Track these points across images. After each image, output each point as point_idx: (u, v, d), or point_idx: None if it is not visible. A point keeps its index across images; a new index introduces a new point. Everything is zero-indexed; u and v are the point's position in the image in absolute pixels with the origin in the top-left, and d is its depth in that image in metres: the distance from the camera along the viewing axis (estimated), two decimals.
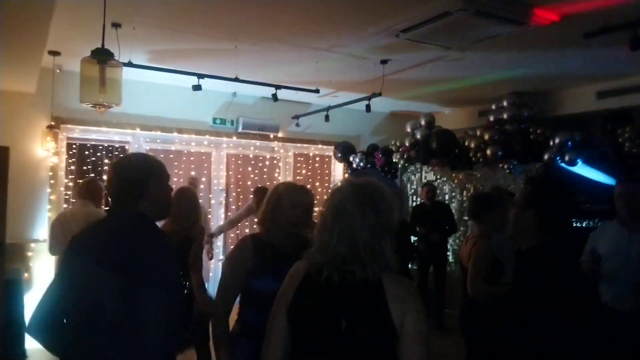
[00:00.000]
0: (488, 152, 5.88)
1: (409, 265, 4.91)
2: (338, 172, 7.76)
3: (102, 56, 2.61)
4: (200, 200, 5.99)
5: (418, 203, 6.60)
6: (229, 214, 6.83)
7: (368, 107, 5.48)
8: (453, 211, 6.33)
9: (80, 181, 4.63)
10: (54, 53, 4.81)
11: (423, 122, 6.63)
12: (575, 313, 1.74)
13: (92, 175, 5.68)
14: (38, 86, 5.12)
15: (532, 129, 5.79)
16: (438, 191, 6.64)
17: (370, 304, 1.38)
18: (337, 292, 1.40)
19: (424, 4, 3.36)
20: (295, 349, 1.46)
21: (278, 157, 7.33)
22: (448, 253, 6.24)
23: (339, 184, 1.56)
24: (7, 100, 5.25)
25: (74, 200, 5.16)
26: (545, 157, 5.50)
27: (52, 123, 5.40)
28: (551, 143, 5.49)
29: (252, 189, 6.98)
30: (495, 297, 2.70)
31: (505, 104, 6.05)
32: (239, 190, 6.99)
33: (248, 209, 5.65)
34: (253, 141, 6.95)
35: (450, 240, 6.32)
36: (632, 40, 2.96)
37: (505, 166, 5.89)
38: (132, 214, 1.71)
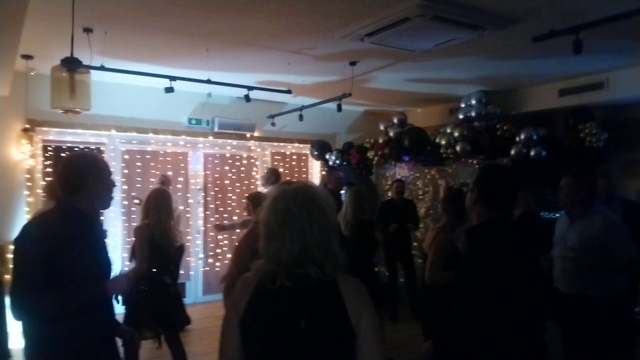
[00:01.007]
0: (458, 148, 6.09)
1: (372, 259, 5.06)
2: (315, 170, 7.91)
3: (71, 64, 2.70)
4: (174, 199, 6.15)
5: (387, 199, 6.75)
6: (207, 212, 6.94)
7: (339, 107, 5.64)
8: (419, 207, 6.52)
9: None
10: (27, 57, 4.85)
11: (396, 121, 6.82)
12: (515, 285, 1.86)
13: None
14: (12, 89, 5.16)
15: (499, 125, 6.01)
16: (412, 187, 6.84)
17: (328, 303, 1.40)
18: (293, 295, 1.40)
19: (385, 10, 3.52)
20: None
21: (255, 156, 7.44)
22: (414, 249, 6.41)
23: (275, 191, 1.56)
24: None
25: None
26: (512, 152, 5.73)
27: (27, 126, 5.44)
28: (517, 139, 5.72)
29: (229, 188, 7.13)
30: (449, 280, 2.90)
31: (473, 102, 6.25)
32: (216, 189, 7.09)
33: (244, 223, 5.71)
34: (230, 141, 7.05)
35: (418, 235, 6.52)
36: (575, 44, 3.17)
37: (474, 161, 6.11)
38: (67, 206, 2.02)
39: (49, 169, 5.79)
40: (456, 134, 6.13)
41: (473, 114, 6.15)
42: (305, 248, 1.41)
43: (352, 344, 1.39)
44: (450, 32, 3.86)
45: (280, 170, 7.58)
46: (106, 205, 2.17)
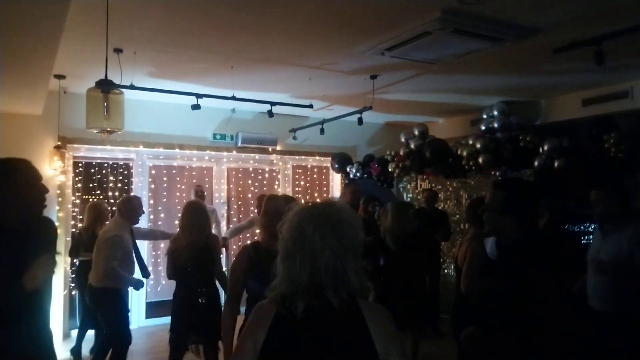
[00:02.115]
0: (480, 160, 6.07)
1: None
2: (336, 182, 7.97)
3: (105, 86, 2.83)
4: (212, 207, 6.27)
5: (417, 207, 6.70)
6: (231, 225, 7.04)
7: (360, 120, 5.69)
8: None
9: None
10: (60, 77, 5.05)
11: (417, 132, 6.83)
12: (555, 303, 1.83)
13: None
14: (45, 108, 5.36)
15: (521, 136, 5.97)
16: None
17: (353, 336, 1.31)
18: (315, 327, 1.30)
19: (405, 24, 3.58)
20: None
21: (277, 170, 7.54)
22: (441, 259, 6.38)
23: (296, 207, 1.44)
24: (16, 123, 5.50)
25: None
26: (536, 163, 5.68)
27: (59, 143, 5.65)
28: (540, 150, 5.67)
29: (252, 201, 7.23)
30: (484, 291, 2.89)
31: (495, 113, 6.24)
32: (240, 202, 7.20)
33: (251, 221, 5.87)
34: (252, 155, 7.17)
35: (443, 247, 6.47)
36: (597, 54, 3.16)
37: (497, 173, 6.08)
38: None
39: (79, 185, 5.98)
40: (478, 146, 6.11)
41: (495, 125, 6.13)
42: (315, 271, 1.31)
43: None
44: (471, 44, 3.90)
45: (302, 183, 7.70)
46: (30, 215, 2.02)
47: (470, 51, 4.08)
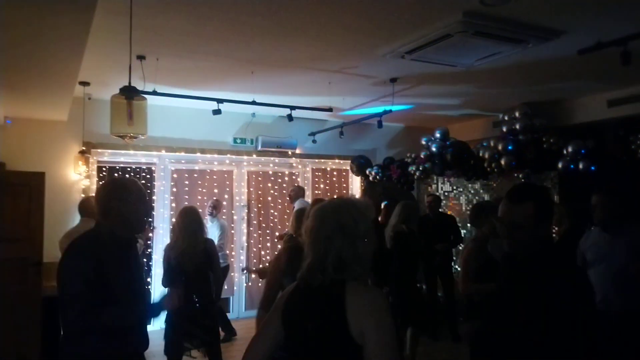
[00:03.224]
0: (502, 162, 5.97)
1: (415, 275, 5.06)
2: (355, 185, 7.95)
3: (129, 93, 2.89)
4: (222, 221, 6.30)
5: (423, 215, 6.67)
6: (251, 228, 7.08)
7: (380, 123, 5.67)
8: (463, 221, 6.41)
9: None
10: (84, 83, 5.16)
11: (437, 135, 6.77)
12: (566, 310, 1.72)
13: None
14: (70, 114, 5.48)
15: (544, 138, 5.86)
16: (455, 202, 6.74)
17: (330, 314, 1.46)
18: (306, 297, 1.55)
19: (426, 27, 3.55)
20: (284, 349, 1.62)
21: (297, 173, 7.56)
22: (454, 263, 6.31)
23: (329, 200, 1.73)
24: (42, 129, 5.64)
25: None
26: (560, 165, 5.57)
27: (84, 148, 5.77)
28: (565, 152, 5.56)
29: (272, 204, 7.27)
30: (484, 294, 2.89)
31: (517, 114, 6.14)
32: (260, 205, 7.24)
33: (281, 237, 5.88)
34: (272, 158, 7.21)
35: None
36: (623, 55, 3.09)
37: (520, 175, 5.98)
38: (99, 228, 2.20)
39: None
40: (500, 147, 6.02)
41: (517, 126, 6.03)
42: (322, 255, 1.52)
43: (356, 355, 1.42)
44: (493, 47, 3.85)
45: (321, 186, 7.70)
46: (136, 228, 2.27)
47: (493, 53, 4.02)
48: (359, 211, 1.58)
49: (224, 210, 6.79)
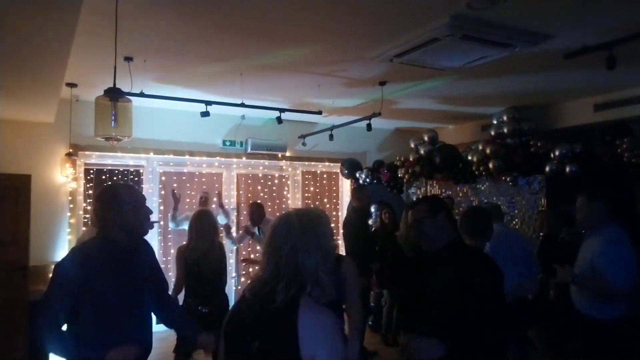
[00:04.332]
0: (490, 165, 6.02)
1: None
2: (345, 188, 7.95)
3: (113, 94, 2.86)
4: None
5: None
6: (240, 231, 7.04)
7: (369, 126, 5.68)
8: None
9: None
10: (71, 85, 5.11)
11: (426, 138, 6.80)
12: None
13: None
14: (57, 116, 5.42)
15: (532, 141, 5.91)
16: None
17: (281, 333, 1.39)
18: (256, 314, 1.46)
19: (413, 30, 3.56)
20: None
21: (287, 176, 7.54)
22: None
23: (282, 213, 1.68)
24: (28, 130, 5.58)
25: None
26: (547, 168, 5.62)
27: (71, 150, 5.71)
28: (552, 155, 5.61)
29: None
30: None
31: (505, 118, 6.19)
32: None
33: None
34: (262, 161, 7.19)
35: None
36: (609, 59, 3.13)
37: (508, 179, 6.02)
38: (100, 236, 2.18)
39: (90, 192, 6.04)
40: (488, 151, 6.06)
41: (505, 130, 6.08)
42: (276, 267, 1.48)
43: None
44: (480, 51, 3.87)
45: (311, 188, 7.69)
46: (136, 235, 2.23)
47: (480, 57, 4.05)
48: (318, 224, 1.55)
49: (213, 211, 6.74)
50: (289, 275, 1.45)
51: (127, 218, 2.14)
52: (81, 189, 5.95)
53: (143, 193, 5.88)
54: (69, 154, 5.68)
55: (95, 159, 6.06)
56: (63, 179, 5.76)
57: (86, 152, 5.94)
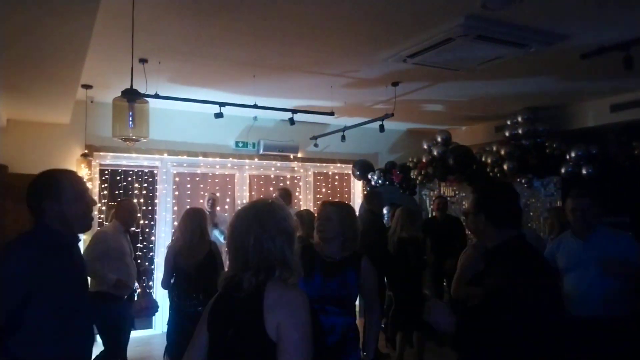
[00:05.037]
0: (505, 167, 5.96)
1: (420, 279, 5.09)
2: (357, 189, 7.93)
3: (131, 96, 2.89)
4: (224, 215, 6.29)
5: (429, 217, 6.64)
6: None
7: (382, 127, 5.66)
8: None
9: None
10: (87, 86, 5.17)
11: (439, 139, 6.76)
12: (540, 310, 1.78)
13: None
14: (72, 117, 5.50)
15: (547, 143, 5.85)
16: (456, 206, 6.72)
17: (248, 315, 1.46)
18: (227, 304, 1.54)
19: (427, 31, 3.55)
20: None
21: (298, 177, 7.55)
22: None
23: (238, 209, 1.71)
24: (44, 132, 5.66)
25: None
26: (562, 170, 5.55)
27: (86, 151, 5.78)
28: (567, 157, 5.54)
29: None
30: (476, 297, 2.91)
31: (520, 119, 6.13)
32: None
33: None
34: (274, 162, 7.21)
35: None
36: (625, 60, 3.08)
37: (523, 180, 5.96)
38: (37, 227, 1.90)
39: (105, 192, 6.10)
40: (503, 152, 6.01)
41: (520, 131, 6.02)
42: (243, 257, 1.52)
43: (273, 353, 1.41)
44: (495, 51, 3.84)
45: (323, 190, 7.69)
46: (75, 229, 1.97)
47: (495, 57, 4.02)
48: (273, 210, 1.59)
49: (226, 215, 6.78)
50: (256, 264, 1.50)
51: (67, 209, 1.88)
52: (96, 190, 6.02)
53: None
54: (84, 155, 5.75)
55: (110, 159, 6.13)
56: None
57: (101, 153, 6.00)
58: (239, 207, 1.70)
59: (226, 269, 1.64)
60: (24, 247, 1.83)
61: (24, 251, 1.80)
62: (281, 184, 7.37)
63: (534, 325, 1.75)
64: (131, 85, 2.99)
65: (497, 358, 1.81)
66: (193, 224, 3.75)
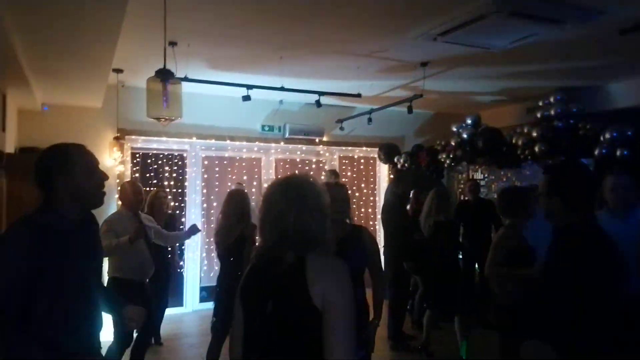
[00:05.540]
0: (536, 149, 5.83)
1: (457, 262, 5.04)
2: (383, 173, 7.90)
3: (164, 75, 2.94)
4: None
5: (462, 200, 6.57)
6: None
7: (410, 109, 5.60)
8: None
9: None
10: (117, 70, 5.26)
11: (469, 121, 6.65)
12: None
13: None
14: (104, 101, 5.62)
15: (580, 124, 5.69)
16: (486, 189, 6.63)
17: (291, 286, 1.46)
18: (265, 277, 1.53)
19: (459, 7, 3.47)
20: (244, 334, 1.59)
21: (324, 160, 7.56)
22: None
23: (271, 182, 1.69)
24: (77, 115, 5.80)
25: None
26: (596, 152, 5.40)
27: (118, 134, 5.91)
28: (601, 138, 5.39)
29: None
30: (510, 279, 2.88)
31: (552, 100, 5.97)
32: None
33: None
34: (299, 146, 7.23)
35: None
36: None
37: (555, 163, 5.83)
38: (44, 207, 1.80)
39: (136, 175, 6.24)
40: (534, 134, 5.87)
41: (553, 112, 5.87)
42: (282, 232, 1.50)
43: (318, 322, 1.42)
44: (529, 28, 3.73)
45: (348, 173, 7.68)
46: (89, 205, 1.89)
47: (528, 35, 3.91)
48: (314, 185, 1.58)
49: (253, 197, 6.85)
50: (296, 238, 1.49)
51: (80, 184, 1.79)
52: (128, 172, 6.16)
53: (188, 174, 5.82)
54: (116, 138, 5.89)
55: (141, 143, 6.25)
56: (111, 162, 5.97)
57: (132, 137, 6.13)
58: (273, 181, 1.66)
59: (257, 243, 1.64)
60: (28, 227, 1.73)
61: (27, 232, 1.71)
62: (306, 168, 7.40)
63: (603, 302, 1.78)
64: (164, 65, 3.03)
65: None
66: (229, 207, 3.80)
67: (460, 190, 7.27)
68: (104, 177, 1.89)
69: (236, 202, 3.81)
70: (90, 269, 1.91)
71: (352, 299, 1.47)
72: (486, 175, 6.83)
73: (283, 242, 1.51)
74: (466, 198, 6.29)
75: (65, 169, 1.77)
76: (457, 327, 4.54)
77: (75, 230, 1.83)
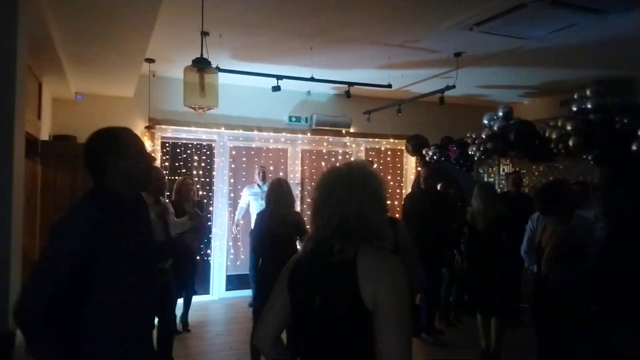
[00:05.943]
0: (570, 143, 5.68)
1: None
2: (410, 165, 7.82)
3: (201, 64, 2.95)
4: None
5: (504, 191, 6.41)
6: (304, 206, 7.15)
7: (442, 100, 5.51)
8: None
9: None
10: (149, 60, 5.31)
11: (500, 113, 6.50)
12: None
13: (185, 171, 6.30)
14: (136, 91, 5.69)
15: (617, 118, 5.50)
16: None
17: (341, 282, 1.37)
18: (315, 269, 1.44)
19: None
20: (290, 325, 1.53)
21: (350, 152, 7.52)
22: None
23: (329, 168, 1.58)
24: (109, 104, 5.89)
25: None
26: (633, 147, 5.23)
27: (149, 124, 5.98)
28: (639, 133, 5.21)
29: None
30: (569, 274, 2.80)
31: (588, 92, 5.79)
32: (313, 184, 7.27)
33: None
34: (326, 137, 7.20)
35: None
36: None
37: (589, 157, 5.67)
38: (97, 188, 1.77)
39: (166, 164, 6.32)
40: (569, 127, 5.71)
41: (589, 105, 5.70)
42: (342, 222, 1.41)
43: (368, 322, 1.34)
44: (569, 18, 3.63)
45: (375, 166, 7.62)
46: (141, 185, 1.88)
47: (568, 25, 3.80)
48: (376, 176, 1.50)
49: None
50: (356, 231, 1.41)
51: (130, 165, 1.77)
52: (158, 161, 6.23)
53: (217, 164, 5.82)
54: (147, 127, 5.96)
55: (171, 132, 6.32)
56: None
57: (163, 126, 6.20)
58: (331, 167, 1.56)
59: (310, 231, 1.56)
60: (86, 208, 1.71)
61: (86, 213, 1.69)
62: (332, 159, 7.38)
63: None
64: (201, 54, 3.04)
65: None
66: (282, 193, 3.82)
67: (503, 182, 7.14)
68: (151, 159, 1.91)
69: (287, 189, 3.84)
70: (146, 254, 1.89)
71: (408, 303, 1.37)
72: (517, 169, 6.68)
73: (341, 232, 1.41)
74: (508, 190, 6.14)
75: (117, 150, 1.77)
76: (494, 327, 4.33)
77: (134, 208, 1.86)
